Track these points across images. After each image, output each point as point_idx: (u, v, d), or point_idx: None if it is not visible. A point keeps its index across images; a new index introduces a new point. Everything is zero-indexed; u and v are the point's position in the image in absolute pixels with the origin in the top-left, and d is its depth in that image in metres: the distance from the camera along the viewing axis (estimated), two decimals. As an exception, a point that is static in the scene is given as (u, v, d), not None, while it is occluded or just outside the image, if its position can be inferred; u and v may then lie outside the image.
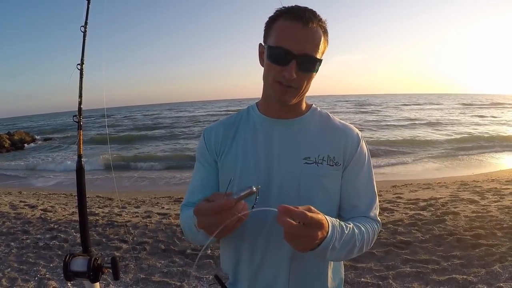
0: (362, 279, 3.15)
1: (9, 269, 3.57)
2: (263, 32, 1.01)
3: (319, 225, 0.79)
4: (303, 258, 1.01)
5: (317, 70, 0.97)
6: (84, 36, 1.46)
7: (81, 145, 1.47)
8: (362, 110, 40.78)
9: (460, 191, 6.57)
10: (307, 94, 1.04)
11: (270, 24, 0.97)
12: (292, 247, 0.80)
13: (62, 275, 3.41)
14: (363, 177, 1.06)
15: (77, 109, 1.47)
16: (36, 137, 27.31)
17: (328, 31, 0.97)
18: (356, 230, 0.93)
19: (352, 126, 1.10)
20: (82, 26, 1.47)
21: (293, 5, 0.95)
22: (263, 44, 1.01)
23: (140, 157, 15.01)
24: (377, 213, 1.08)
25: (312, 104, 1.11)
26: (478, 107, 41.05)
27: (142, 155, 15.97)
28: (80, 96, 1.41)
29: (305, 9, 0.93)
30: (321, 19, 0.94)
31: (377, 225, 1.06)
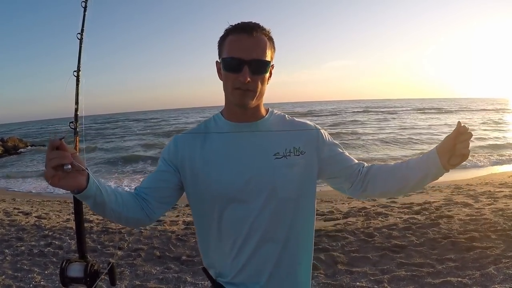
0: (357, 283, 3.17)
1: (3, 276, 3.54)
2: (217, 51, 1.14)
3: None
4: (292, 247, 1.12)
5: (268, 71, 1.10)
6: (81, 43, 1.46)
7: (77, 151, 1.47)
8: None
9: (454, 194, 6.63)
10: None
11: (222, 41, 1.11)
12: (461, 160, 1.03)
13: (57, 282, 3.40)
14: (336, 150, 1.21)
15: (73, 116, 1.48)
16: (30, 143, 27.08)
17: (274, 39, 1.12)
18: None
19: (307, 121, 1.24)
20: (79, 33, 1.48)
21: (238, 22, 1.09)
22: (218, 60, 1.13)
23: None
24: None
25: (269, 108, 1.23)
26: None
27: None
28: (77, 103, 1.41)
29: (249, 23, 1.08)
30: (264, 28, 1.09)
31: None
